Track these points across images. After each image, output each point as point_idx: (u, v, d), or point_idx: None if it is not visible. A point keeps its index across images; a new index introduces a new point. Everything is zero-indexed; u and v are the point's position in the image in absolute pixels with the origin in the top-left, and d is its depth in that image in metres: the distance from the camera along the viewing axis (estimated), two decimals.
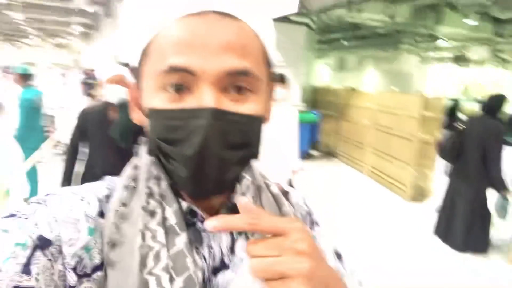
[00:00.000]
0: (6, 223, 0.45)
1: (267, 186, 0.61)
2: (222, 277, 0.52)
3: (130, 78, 2.34)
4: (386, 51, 14.17)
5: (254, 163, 0.60)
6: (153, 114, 0.48)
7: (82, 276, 0.46)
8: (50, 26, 23.55)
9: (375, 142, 6.69)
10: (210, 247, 0.53)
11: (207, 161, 0.46)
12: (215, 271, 0.52)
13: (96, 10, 18.64)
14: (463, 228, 3.81)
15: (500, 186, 3.49)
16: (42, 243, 0.45)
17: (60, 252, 0.46)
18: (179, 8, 0.48)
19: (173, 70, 0.46)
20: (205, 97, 0.46)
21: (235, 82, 0.48)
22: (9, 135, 2.71)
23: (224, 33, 0.47)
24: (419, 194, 5.58)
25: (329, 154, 8.31)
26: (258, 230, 0.41)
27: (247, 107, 0.49)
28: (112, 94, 2.42)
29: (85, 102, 5.29)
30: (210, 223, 0.40)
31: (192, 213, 0.53)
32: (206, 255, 0.52)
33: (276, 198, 0.60)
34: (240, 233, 0.55)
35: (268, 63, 0.53)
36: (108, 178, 0.57)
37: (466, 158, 3.73)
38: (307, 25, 7.59)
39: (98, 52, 21.61)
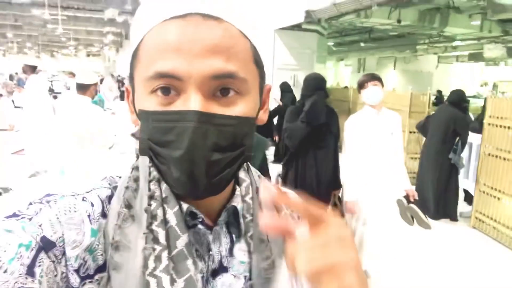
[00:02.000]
0: (9, 223, 0.45)
1: None
2: (221, 280, 0.52)
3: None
4: (403, 52, 14.62)
5: (250, 165, 0.60)
6: (144, 115, 0.49)
7: (85, 277, 0.47)
8: (84, 36, 25.12)
9: None
10: (209, 249, 0.53)
11: (195, 163, 0.46)
12: (214, 273, 0.52)
13: (125, 19, 19.91)
14: (434, 198, 4.63)
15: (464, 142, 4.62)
16: (46, 245, 0.45)
17: (63, 254, 0.46)
18: (165, 9, 0.48)
19: (160, 76, 0.46)
20: (191, 101, 0.46)
21: (221, 85, 0.47)
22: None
23: (209, 36, 0.46)
24: None
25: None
26: (308, 214, 0.41)
27: (235, 109, 0.49)
28: None
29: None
30: (264, 222, 0.41)
31: (192, 215, 0.52)
32: (206, 257, 0.52)
33: None
34: (239, 236, 0.55)
35: (258, 64, 0.53)
36: (109, 178, 0.57)
37: (432, 136, 4.69)
38: (317, 31, 8.35)
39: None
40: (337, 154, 2.99)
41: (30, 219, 0.46)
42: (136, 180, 0.52)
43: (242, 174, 0.57)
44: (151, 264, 0.46)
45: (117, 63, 30.95)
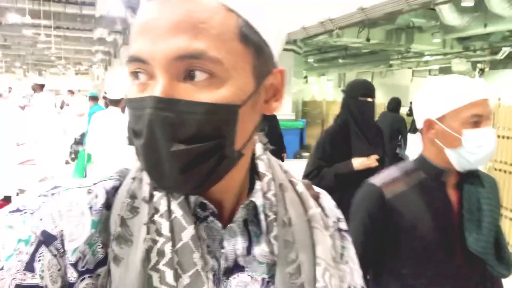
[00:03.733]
0: (11, 218, 0.44)
1: (292, 184, 0.55)
2: (236, 279, 0.48)
3: None
4: (379, 67, 15.62)
5: (274, 158, 0.56)
6: (126, 103, 0.47)
7: (84, 272, 0.44)
8: (73, 55, 25.67)
9: None
10: (222, 246, 0.49)
11: (155, 154, 0.43)
12: (228, 272, 0.48)
13: (115, 38, 20.57)
14: None
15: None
16: (46, 239, 0.43)
17: (64, 247, 0.44)
18: None
19: (131, 60, 0.44)
20: (156, 85, 0.42)
21: (189, 66, 0.42)
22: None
23: (173, 13, 0.42)
24: None
25: None
26: None
27: (209, 95, 0.42)
28: None
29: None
30: None
31: (202, 206, 0.49)
32: (218, 254, 0.49)
33: (302, 197, 0.54)
34: (258, 236, 0.50)
35: (249, 41, 0.45)
36: (120, 170, 0.54)
37: None
38: (293, 50, 9.21)
39: (118, 78, 23.56)
40: None
41: (32, 213, 0.45)
42: (143, 170, 0.49)
43: (262, 168, 0.53)
44: (153, 257, 0.44)
45: (105, 81, 31.51)
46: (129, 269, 0.43)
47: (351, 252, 0.60)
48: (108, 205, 0.49)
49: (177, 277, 0.43)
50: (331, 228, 0.58)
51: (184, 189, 0.46)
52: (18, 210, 0.45)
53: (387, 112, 5.71)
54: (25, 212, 0.45)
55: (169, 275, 0.43)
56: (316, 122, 10.07)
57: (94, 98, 5.93)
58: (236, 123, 0.45)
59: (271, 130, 3.95)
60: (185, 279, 0.44)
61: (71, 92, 11.09)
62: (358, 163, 2.16)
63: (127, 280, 0.43)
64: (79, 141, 6.69)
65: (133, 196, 0.48)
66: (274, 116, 4.29)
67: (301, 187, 0.56)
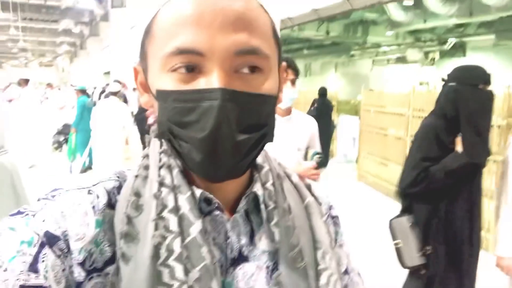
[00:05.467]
0: (13, 221, 0.44)
1: (287, 175, 0.58)
2: (242, 270, 0.50)
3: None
4: (341, 57, 16.58)
5: (269, 153, 0.58)
6: (163, 95, 0.46)
7: (92, 271, 0.45)
8: (37, 47, 25.22)
9: None
10: (227, 237, 0.51)
11: (220, 143, 0.44)
12: (234, 263, 0.50)
13: (81, 29, 20.42)
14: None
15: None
16: (50, 239, 0.44)
17: (69, 247, 0.45)
18: None
19: (181, 52, 0.44)
20: (214, 78, 0.43)
21: (245, 61, 0.45)
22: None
23: (231, 9, 0.44)
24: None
25: None
26: None
27: (259, 86, 0.47)
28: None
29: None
30: None
31: (207, 201, 0.50)
32: (224, 245, 0.50)
33: (297, 187, 0.58)
34: (260, 225, 0.52)
35: (277, 40, 0.51)
36: (118, 171, 0.54)
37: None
38: None
39: (84, 69, 23.40)
40: None
41: (34, 215, 0.45)
42: (146, 168, 0.51)
43: (260, 160, 0.55)
44: (163, 253, 0.44)
45: (71, 74, 30.98)
46: (138, 266, 0.43)
47: (343, 237, 0.63)
48: (111, 205, 0.49)
49: (186, 271, 0.44)
50: (325, 215, 0.61)
51: (233, 177, 0.48)
52: (19, 213, 0.46)
53: (320, 97, 6.67)
54: (27, 214, 0.45)
55: (179, 270, 0.44)
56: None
57: (83, 91, 6.41)
58: (274, 113, 0.50)
59: None
60: (195, 274, 0.44)
61: (50, 85, 11.23)
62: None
63: (137, 276, 0.43)
64: (61, 131, 7.15)
65: (137, 194, 0.48)
66: None
67: (295, 178, 0.59)
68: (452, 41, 11.87)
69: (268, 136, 0.49)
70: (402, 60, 15.91)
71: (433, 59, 14.22)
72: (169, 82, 0.46)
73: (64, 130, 7.05)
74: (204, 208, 0.50)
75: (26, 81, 6.32)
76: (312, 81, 19.91)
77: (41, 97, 7.97)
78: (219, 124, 0.43)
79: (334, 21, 9.34)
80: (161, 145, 0.52)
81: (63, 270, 0.43)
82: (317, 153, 2.01)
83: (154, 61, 0.47)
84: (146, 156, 0.52)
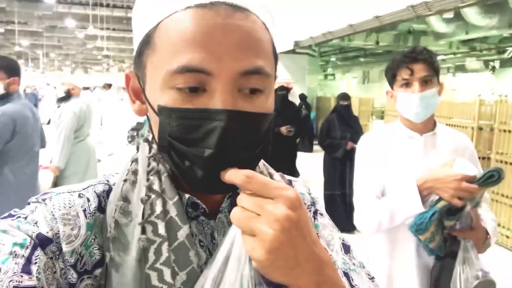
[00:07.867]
0: (4, 223, 0.45)
1: (270, 175, 0.60)
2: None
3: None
4: None
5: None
6: (165, 111, 0.46)
7: (82, 273, 0.46)
8: (118, 54, 27.96)
9: None
10: (213, 238, 0.52)
11: (223, 162, 0.45)
12: None
13: None
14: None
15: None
16: (42, 242, 0.44)
17: (60, 249, 0.45)
18: None
19: (188, 70, 0.44)
20: (220, 98, 0.44)
21: (249, 81, 0.46)
22: None
23: (239, 30, 0.45)
24: None
25: None
26: (249, 188, 0.42)
27: (261, 105, 0.48)
28: None
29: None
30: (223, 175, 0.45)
31: (193, 206, 0.52)
32: (210, 247, 0.52)
33: None
34: None
35: (276, 57, 0.52)
36: (107, 175, 0.56)
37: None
38: (308, 54, 11.10)
39: None
40: None
41: (25, 218, 0.46)
42: (135, 173, 0.52)
43: None
44: (151, 257, 0.45)
45: None
46: (125, 270, 0.45)
47: (324, 232, 0.65)
48: (101, 208, 0.50)
49: (174, 275, 0.45)
50: (308, 211, 0.64)
51: (229, 190, 0.49)
52: (10, 216, 0.46)
53: (302, 102, 7.40)
54: (18, 217, 0.46)
55: (166, 274, 0.45)
56: (325, 114, 11.60)
57: None
58: (271, 129, 0.52)
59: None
60: (182, 276, 0.45)
61: (108, 86, 13.12)
62: None
63: (124, 279, 0.44)
64: (134, 128, 8.54)
65: (125, 199, 0.49)
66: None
67: (277, 177, 0.61)
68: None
69: (265, 152, 0.51)
70: (461, 68, 15.66)
71: (493, 67, 13.90)
72: (172, 98, 0.46)
73: (137, 127, 8.60)
74: (190, 212, 0.52)
75: (109, 85, 7.81)
76: (370, 88, 20.12)
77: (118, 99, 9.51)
78: (224, 144, 0.44)
79: (382, 31, 9.76)
80: (150, 150, 0.53)
81: (55, 272, 0.44)
82: None
83: (155, 73, 0.47)
84: (135, 161, 0.53)
